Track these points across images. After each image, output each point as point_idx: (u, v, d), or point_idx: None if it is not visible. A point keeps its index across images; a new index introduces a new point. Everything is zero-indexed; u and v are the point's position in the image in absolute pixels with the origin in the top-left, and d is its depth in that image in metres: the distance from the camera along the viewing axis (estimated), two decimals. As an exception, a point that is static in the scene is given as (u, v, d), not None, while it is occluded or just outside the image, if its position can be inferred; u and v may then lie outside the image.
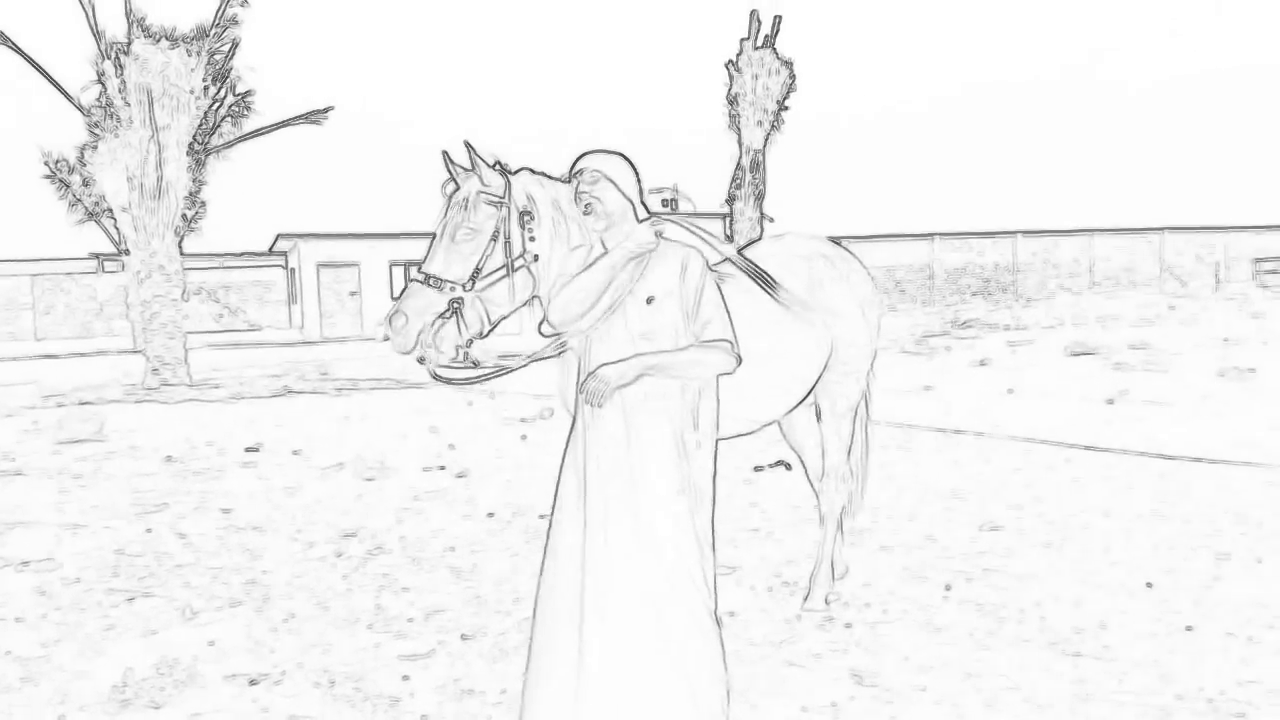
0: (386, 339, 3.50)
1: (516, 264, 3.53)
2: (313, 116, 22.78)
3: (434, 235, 3.55)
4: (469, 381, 3.58)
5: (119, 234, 20.33)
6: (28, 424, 13.88)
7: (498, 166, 3.56)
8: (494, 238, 3.50)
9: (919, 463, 8.98)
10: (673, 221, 3.55)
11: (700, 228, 3.62)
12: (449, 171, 3.57)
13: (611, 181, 3.34)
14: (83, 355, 32.61)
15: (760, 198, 25.10)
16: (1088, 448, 9.36)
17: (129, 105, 19.54)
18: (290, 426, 12.97)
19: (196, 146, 20.57)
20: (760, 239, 5.13)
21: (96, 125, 20.05)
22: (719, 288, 3.37)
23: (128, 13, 19.60)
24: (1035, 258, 44.77)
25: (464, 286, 3.47)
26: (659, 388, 3.25)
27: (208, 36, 20.25)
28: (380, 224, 38.58)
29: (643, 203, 3.42)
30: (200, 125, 20.44)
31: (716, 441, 3.41)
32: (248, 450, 10.88)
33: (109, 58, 19.65)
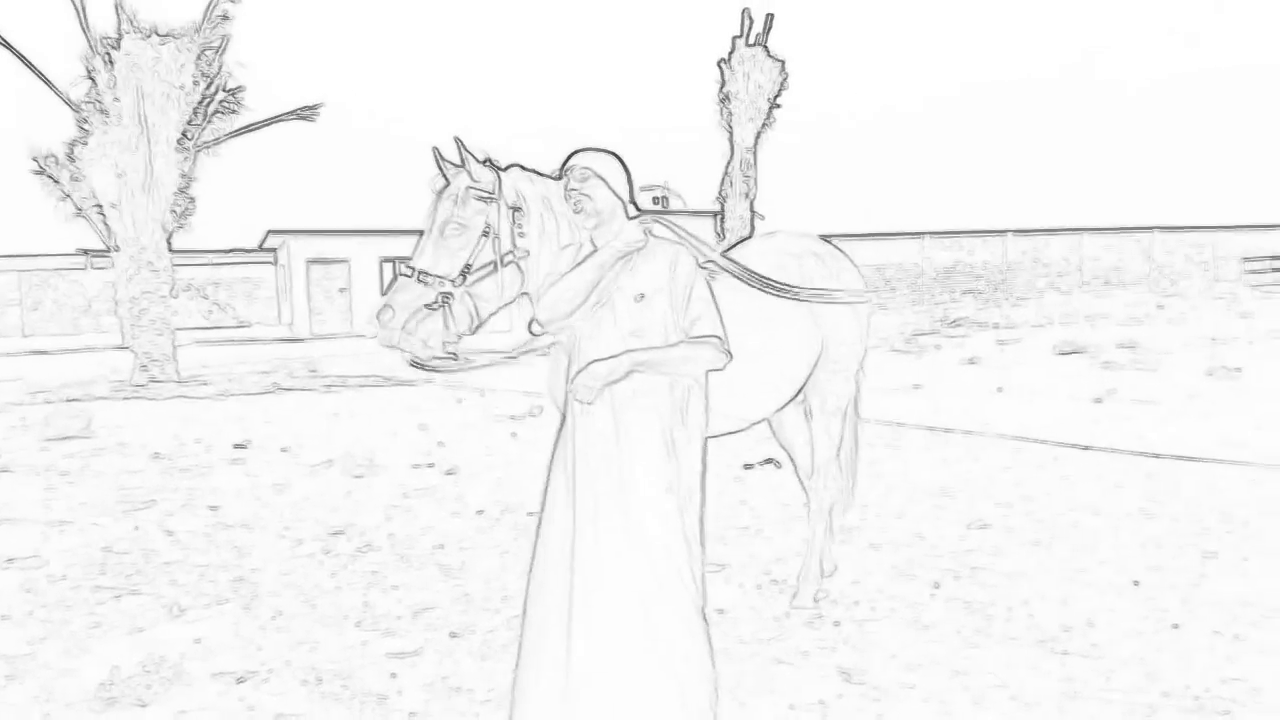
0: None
1: (505, 260, 3.53)
2: (303, 113, 22.70)
3: (423, 231, 3.54)
4: (449, 370, 3.56)
5: (108, 230, 20.20)
6: (15, 420, 13.82)
7: (488, 163, 3.56)
8: (483, 233, 3.50)
9: (908, 461, 8.99)
10: (660, 223, 3.54)
11: (686, 231, 3.61)
12: (439, 167, 3.57)
13: (602, 179, 3.33)
14: (71, 351, 32.49)
15: (751, 196, 25.11)
16: (1076, 446, 9.38)
17: (119, 101, 19.46)
18: (279, 423, 12.94)
19: (186, 142, 20.47)
20: (751, 237, 5.13)
21: (86, 121, 19.96)
22: (709, 285, 3.37)
23: (118, 8, 19.51)
24: (1025, 256, 44.87)
25: (453, 282, 3.46)
26: (648, 385, 3.25)
27: (198, 32, 20.16)
28: (370, 220, 38.43)
29: (633, 201, 3.41)
30: (190, 121, 20.36)
31: (706, 439, 3.41)
32: (236, 447, 10.85)
33: (99, 53, 19.57)
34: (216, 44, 20.57)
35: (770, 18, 24.83)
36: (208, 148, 21.33)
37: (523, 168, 3.70)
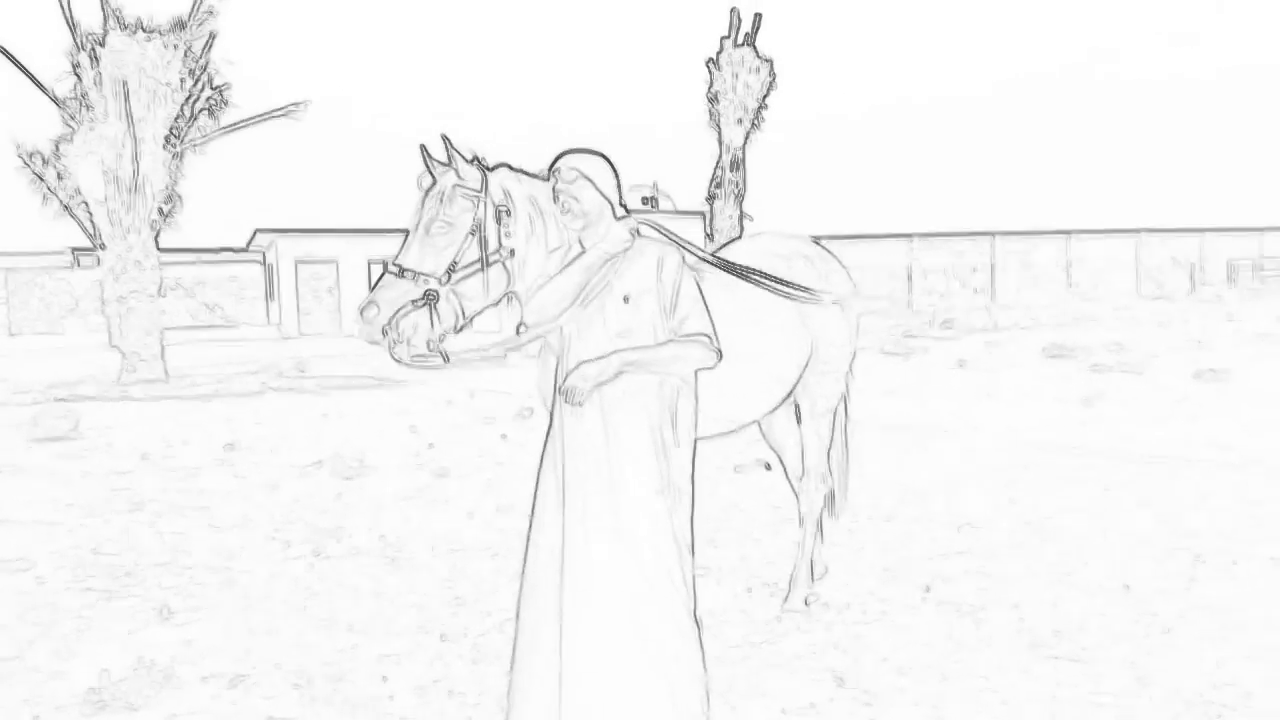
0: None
1: (491, 259, 3.53)
2: (289, 111, 22.63)
3: (410, 229, 3.54)
4: (433, 368, 3.55)
5: (94, 228, 20.09)
6: (1, 421, 13.74)
7: (475, 161, 3.56)
8: (470, 232, 3.50)
9: (897, 463, 9.01)
10: (647, 224, 3.54)
11: (673, 233, 3.60)
12: (426, 165, 3.56)
13: (589, 180, 3.33)
14: (57, 351, 32.32)
15: (740, 196, 25.14)
16: (1065, 449, 9.42)
17: (104, 98, 19.37)
18: (268, 424, 12.90)
19: (173, 140, 20.40)
20: (739, 238, 5.14)
21: (71, 118, 19.86)
22: (698, 284, 3.37)
23: (103, 4, 19.42)
24: (1013, 259, 45.03)
25: (439, 280, 3.46)
26: (637, 386, 3.25)
27: (185, 29, 20.08)
28: (358, 220, 38.42)
29: (621, 202, 3.41)
30: (177, 118, 20.28)
31: (696, 441, 3.41)
32: (225, 448, 10.81)
33: (84, 49, 19.47)
34: (203, 40, 20.49)
35: (758, 18, 24.87)
36: (195, 145, 21.25)
37: (510, 167, 3.70)
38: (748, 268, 4.18)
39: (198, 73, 20.51)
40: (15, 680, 4.45)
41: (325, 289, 37.94)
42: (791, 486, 5.25)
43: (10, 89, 20.58)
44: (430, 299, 3.46)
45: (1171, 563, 5.75)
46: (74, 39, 19.60)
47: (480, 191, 3.51)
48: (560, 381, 3.25)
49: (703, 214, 26.19)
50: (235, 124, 21.78)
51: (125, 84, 19.31)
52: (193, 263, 39.02)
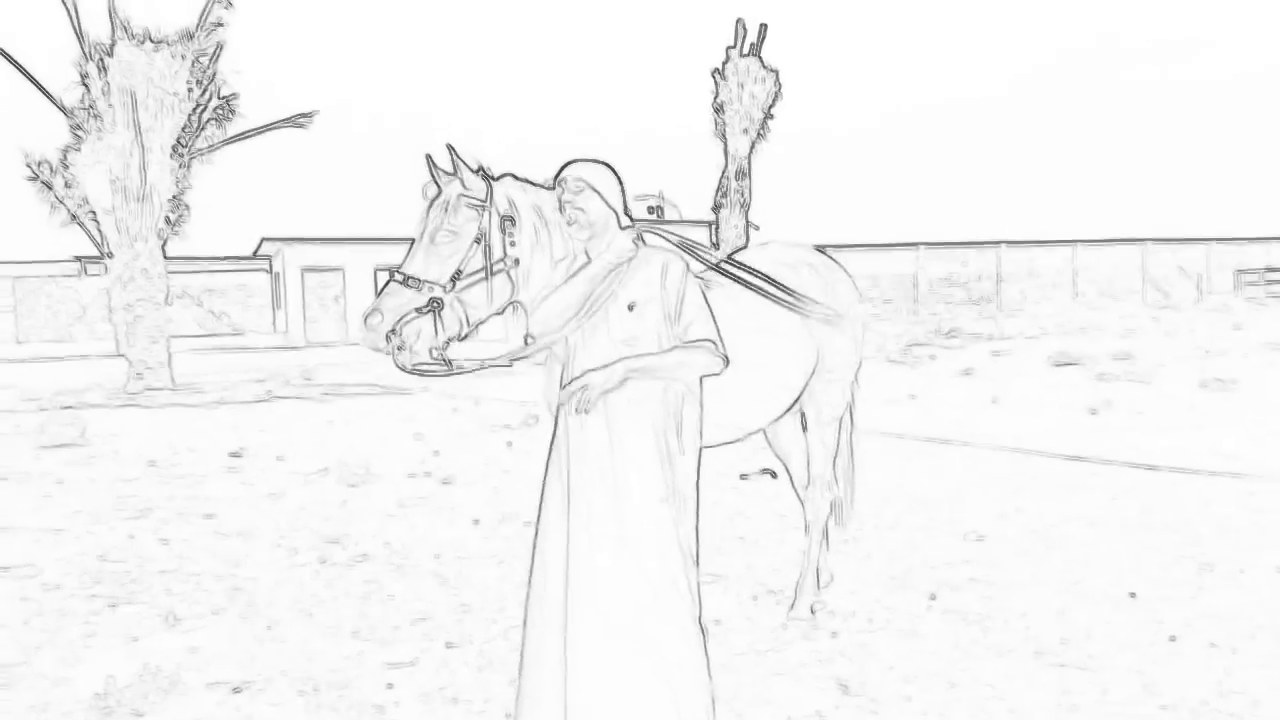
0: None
1: (496, 268, 3.53)
2: (297, 120, 22.72)
3: (415, 237, 3.55)
4: (437, 376, 3.55)
5: (102, 237, 20.19)
6: (8, 428, 13.78)
7: (480, 171, 3.56)
8: (475, 241, 3.50)
9: (903, 472, 9.00)
10: (657, 233, 3.55)
11: (684, 237, 3.61)
12: (432, 175, 3.58)
13: (596, 191, 3.33)
14: (65, 359, 32.42)
15: (746, 206, 25.16)
16: (1071, 458, 9.40)
17: (112, 107, 19.46)
18: (274, 431, 12.92)
19: (181, 149, 20.48)
20: (745, 247, 5.13)
21: (80, 127, 19.96)
22: (703, 292, 3.38)
23: (111, 14, 19.52)
24: (1019, 268, 45.00)
25: (443, 288, 3.47)
26: (642, 393, 3.25)
27: (192, 39, 20.18)
28: (365, 228, 38.52)
29: (626, 212, 3.41)
30: (184, 128, 20.36)
31: (701, 449, 3.41)
32: (231, 455, 10.82)
33: (92, 59, 19.57)
34: (211, 51, 20.58)
35: (764, 28, 24.91)
36: (202, 155, 21.34)
37: (515, 177, 3.70)
38: (756, 273, 4.19)
39: (205, 82, 20.60)
40: (22, 686, 4.46)
41: (331, 297, 38.02)
42: (797, 495, 5.25)
43: (19, 99, 20.69)
44: (434, 307, 3.46)
45: (1178, 571, 5.74)
46: (82, 49, 19.70)
47: (485, 201, 3.52)
48: (565, 388, 3.25)
49: (709, 224, 26.23)
50: (242, 133, 21.88)
51: (133, 94, 19.40)
52: (200, 271, 39.15)
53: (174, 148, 20.13)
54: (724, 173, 25.18)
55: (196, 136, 21.01)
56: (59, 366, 28.96)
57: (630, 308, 3.27)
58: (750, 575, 5.92)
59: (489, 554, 6.55)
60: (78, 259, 38.28)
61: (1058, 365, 17.88)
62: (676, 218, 41.74)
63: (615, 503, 3.21)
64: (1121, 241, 46.32)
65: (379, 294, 3.49)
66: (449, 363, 3.51)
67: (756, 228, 25.53)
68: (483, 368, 3.53)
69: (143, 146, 19.56)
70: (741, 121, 24.89)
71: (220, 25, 20.62)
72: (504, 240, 3.56)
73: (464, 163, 3.52)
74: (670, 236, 3.57)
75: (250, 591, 5.84)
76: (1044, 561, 6.02)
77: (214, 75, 20.85)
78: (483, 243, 3.51)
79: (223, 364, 27.62)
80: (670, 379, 3.27)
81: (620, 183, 3.40)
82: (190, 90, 20.16)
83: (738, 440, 4.43)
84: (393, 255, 36.04)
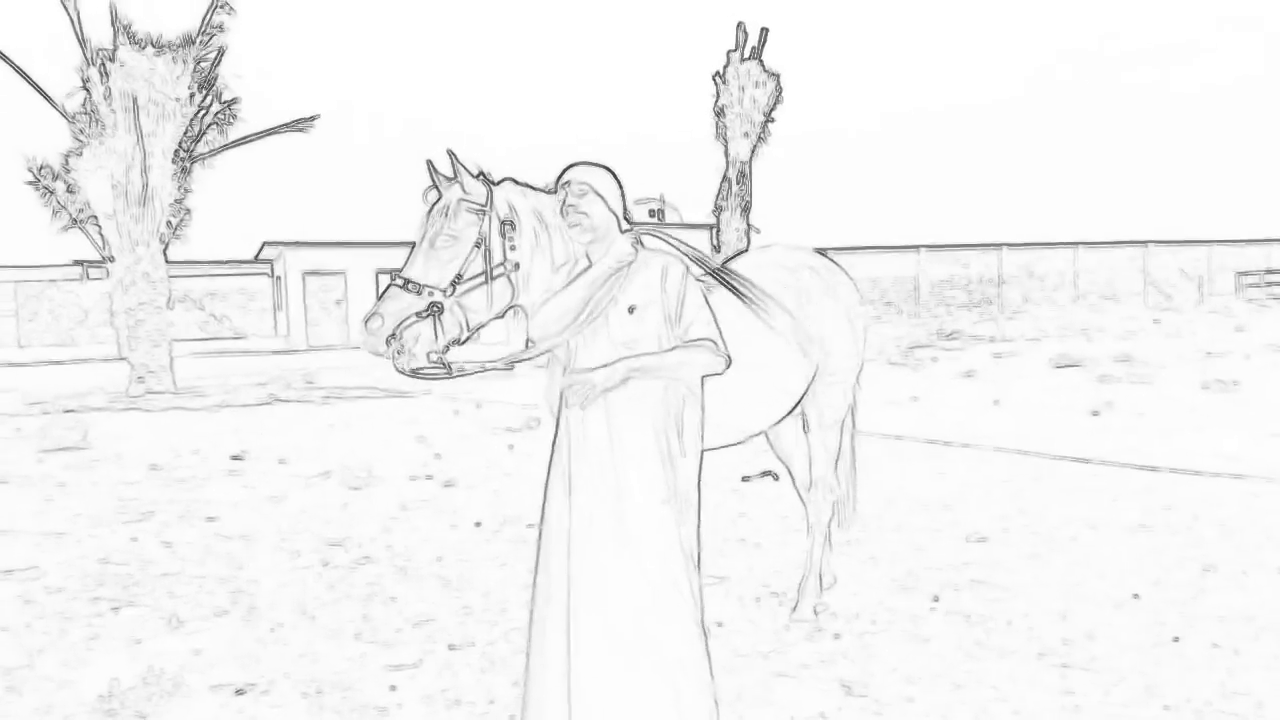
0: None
1: (496, 272, 3.54)
2: (298, 124, 22.75)
3: (416, 242, 3.56)
4: (437, 379, 3.56)
5: (103, 241, 20.24)
6: (11, 431, 13.79)
7: (481, 176, 3.57)
8: (475, 245, 3.51)
9: (905, 474, 9.00)
10: (654, 235, 3.56)
11: (682, 242, 3.61)
12: (432, 179, 3.58)
13: (599, 195, 3.34)
14: (67, 363, 32.44)
15: (747, 209, 25.17)
16: (1073, 459, 9.39)
17: (114, 112, 19.48)
18: (276, 435, 12.92)
19: (182, 154, 20.51)
20: (746, 250, 5.14)
21: (81, 132, 19.99)
22: (705, 295, 3.38)
23: (113, 19, 19.54)
24: (1020, 270, 44.99)
25: (443, 292, 3.47)
26: (642, 395, 3.25)
27: (194, 44, 20.21)
28: (366, 232, 38.55)
29: (625, 215, 3.42)
30: (186, 132, 20.39)
31: (702, 451, 3.41)
32: (233, 458, 10.83)
33: (94, 64, 19.60)
34: (212, 56, 20.61)
35: (765, 32, 24.93)
36: (203, 159, 21.37)
37: (516, 181, 3.71)
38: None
39: (206, 87, 20.63)
40: (26, 689, 4.46)
41: (333, 300, 38.04)
42: (799, 497, 5.25)
43: (21, 103, 20.72)
44: (434, 311, 3.47)
45: (1181, 572, 5.73)
46: (84, 54, 19.73)
47: (485, 205, 3.53)
48: (564, 383, 3.25)
49: (710, 226, 26.24)
50: (244, 138, 21.91)
51: (135, 99, 19.42)
52: (201, 275, 39.19)
53: (175, 152, 20.16)
54: (725, 176, 25.19)
55: (198, 141, 21.04)
56: (61, 370, 28.98)
57: (630, 311, 3.27)
58: (752, 577, 5.92)
59: (491, 556, 6.55)
60: (79, 263, 38.33)
61: (1059, 367, 17.87)
62: (677, 221, 41.75)
63: (616, 503, 3.21)
64: (1123, 244, 46.31)
65: (379, 298, 3.50)
66: (448, 366, 3.51)
67: (757, 231, 25.53)
68: (483, 371, 3.54)
69: (144, 151, 19.59)
70: (742, 125, 24.90)
71: (221, 30, 20.65)
72: (504, 244, 3.56)
73: (464, 167, 3.52)
74: (666, 239, 3.57)
75: (253, 594, 5.84)
76: (1047, 563, 6.02)
77: (215, 80, 20.88)
78: (482, 247, 3.52)
79: (224, 368, 27.63)
80: (672, 379, 3.27)
81: (620, 186, 3.41)
82: (192, 95, 20.19)
83: (740, 442, 4.44)
84: (394, 259, 36.08)
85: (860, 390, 5.17)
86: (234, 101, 21.70)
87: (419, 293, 3.46)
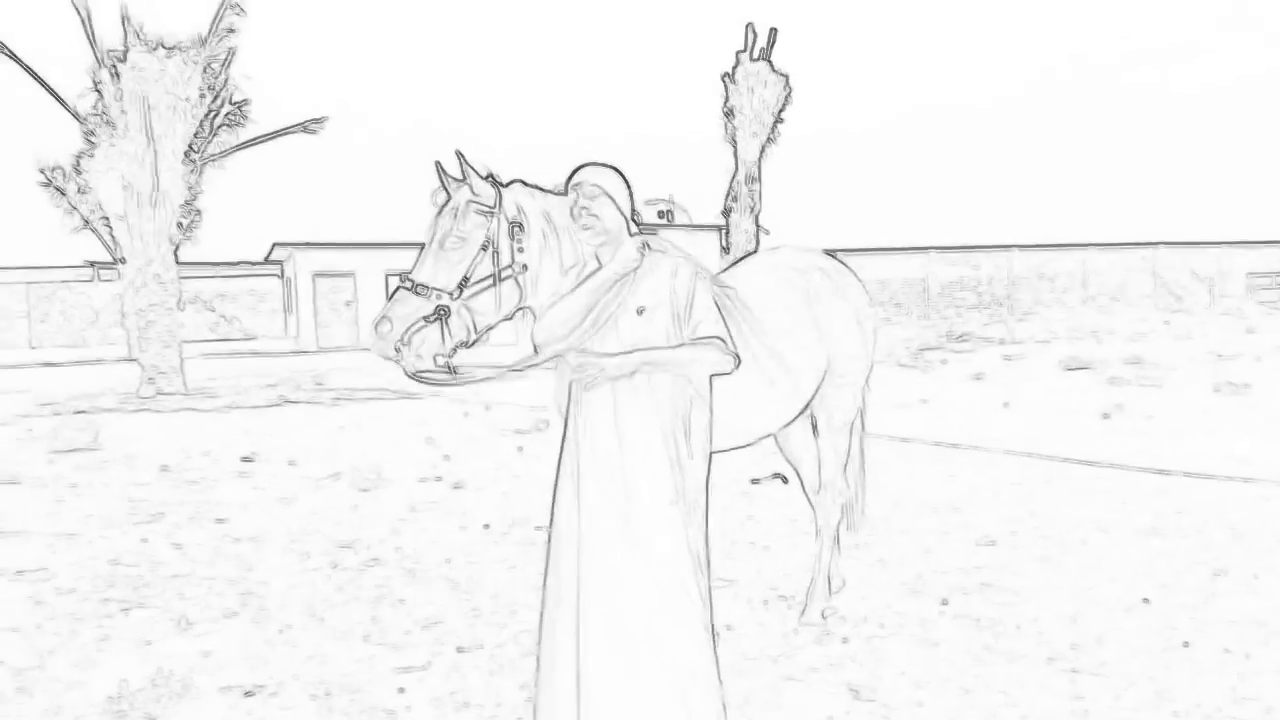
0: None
1: (504, 274, 3.54)
2: (308, 126, 22.81)
3: (424, 243, 3.56)
4: (446, 383, 3.55)
5: (114, 242, 20.28)
6: (22, 432, 13.85)
7: (489, 177, 3.57)
8: (483, 247, 3.51)
9: (914, 476, 8.98)
10: (659, 238, 3.56)
11: (683, 252, 3.61)
12: (440, 181, 3.59)
13: (610, 198, 3.34)
14: (78, 364, 32.55)
15: (756, 210, 25.14)
16: (1083, 462, 9.37)
17: (125, 113, 19.55)
18: (285, 436, 12.95)
19: (193, 155, 20.56)
20: (756, 252, 5.14)
21: (93, 133, 20.05)
22: (714, 297, 3.38)
23: (124, 21, 19.61)
24: (1030, 272, 44.87)
25: (451, 295, 3.48)
26: (650, 396, 3.25)
27: (204, 45, 20.27)
28: (376, 233, 38.59)
29: (633, 217, 3.42)
30: (196, 134, 20.45)
31: (711, 454, 3.41)
32: (243, 460, 10.86)
33: (105, 66, 19.66)
34: (222, 57, 20.66)
35: (774, 33, 24.90)
36: (214, 160, 21.42)
37: (524, 183, 3.71)
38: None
39: (217, 88, 20.69)
40: (36, 690, 4.48)
41: (343, 302, 38.13)
42: (808, 499, 5.24)
43: (33, 105, 20.81)
44: (442, 314, 3.47)
45: (1191, 576, 5.71)
46: (95, 56, 19.80)
47: (493, 207, 3.53)
48: (575, 362, 3.25)
49: (719, 228, 26.22)
50: (254, 139, 21.96)
51: (146, 100, 19.49)
52: (212, 276, 39.28)
53: (186, 153, 20.22)
54: (734, 177, 25.18)
55: (209, 142, 21.09)
56: (72, 371, 29.10)
57: (639, 312, 3.28)
58: (761, 580, 5.92)
59: (500, 558, 6.56)
60: (91, 264, 38.45)
61: (1069, 369, 17.83)
62: (686, 222, 41.74)
63: (625, 504, 3.21)
64: (1133, 245, 46.16)
65: (388, 302, 3.50)
66: (456, 370, 3.52)
67: (767, 232, 25.50)
68: (488, 378, 3.54)
69: (155, 152, 19.65)
70: (752, 126, 24.88)
71: (232, 31, 20.70)
72: (512, 246, 3.56)
73: (473, 169, 3.53)
74: (669, 246, 3.57)
75: (262, 596, 5.85)
76: (1056, 566, 6.00)
77: (226, 81, 20.94)
78: (490, 249, 3.52)
79: (235, 369, 27.70)
80: (682, 374, 3.27)
81: (629, 188, 3.41)
82: (202, 96, 20.24)
83: (748, 445, 4.43)
84: (404, 260, 36.13)
85: (869, 392, 5.16)
86: (244, 102, 21.75)
87: (427, 295, 3.47)
